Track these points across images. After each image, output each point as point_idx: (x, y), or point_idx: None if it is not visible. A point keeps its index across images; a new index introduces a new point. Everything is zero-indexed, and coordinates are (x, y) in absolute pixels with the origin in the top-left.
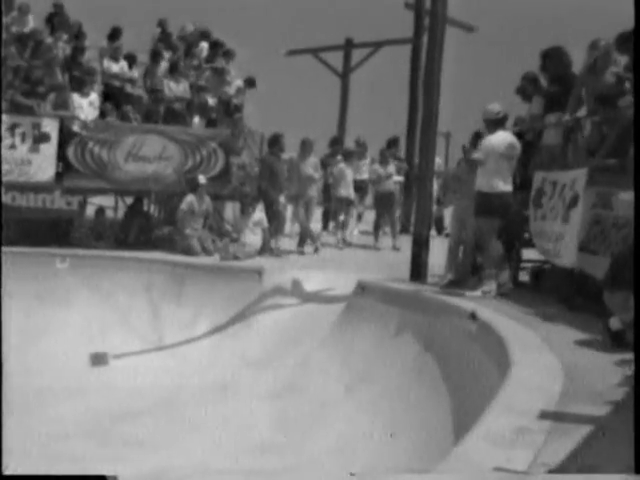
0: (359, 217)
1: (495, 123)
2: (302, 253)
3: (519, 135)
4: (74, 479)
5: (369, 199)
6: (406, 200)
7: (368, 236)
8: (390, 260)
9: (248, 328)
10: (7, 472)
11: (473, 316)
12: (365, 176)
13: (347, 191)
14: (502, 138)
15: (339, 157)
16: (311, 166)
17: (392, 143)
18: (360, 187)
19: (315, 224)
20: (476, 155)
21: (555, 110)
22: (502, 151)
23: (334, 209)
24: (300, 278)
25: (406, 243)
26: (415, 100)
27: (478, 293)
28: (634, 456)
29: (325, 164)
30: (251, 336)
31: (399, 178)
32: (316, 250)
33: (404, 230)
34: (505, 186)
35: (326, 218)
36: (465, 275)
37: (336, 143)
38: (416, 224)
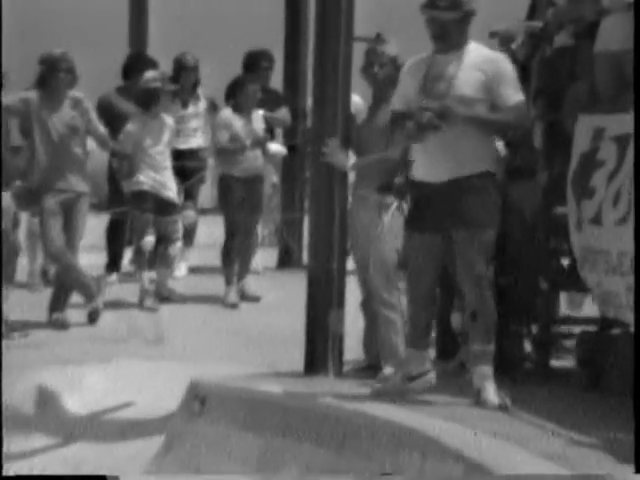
0: (188, 237)
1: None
2: (60, 324)
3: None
4: (74, 479)
5: (208, 192)
6: (287, 193)
7: (211, 275)
8: (260, 327)
9: None
10: (7, 473)
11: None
12: (195, 142)
13: (161, 183)
14: (479, 56)
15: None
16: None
17: (253, 67)
18: (186, 168)
19: (92, 256)
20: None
21: None
22: (476, 88)
23: (135, 225)
24: (55, 387)
25: (296, 286)
26: None
27: (420, 385)
28: (634, 456)
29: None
30: None
31: (276, 147)
32: (93, 316)
33: (285, 261)
34: (489, 164)
35: (117, 243)
36: (419, 353)
37: (130, 73)
38: (313, 246)
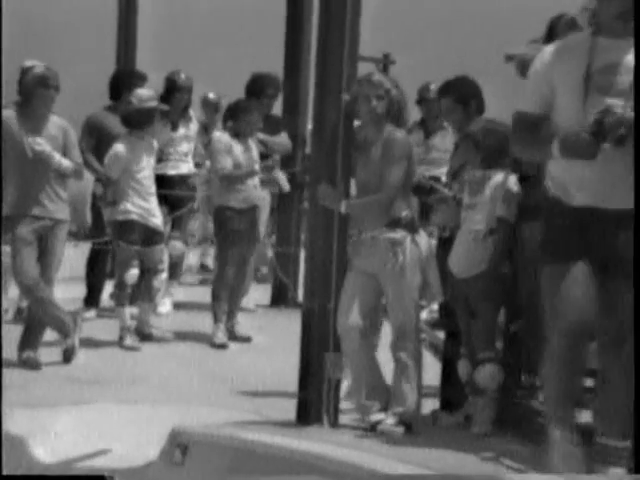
0: (174, 271)
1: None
2: (31, 364)
3: None
4: (74, 479)
5: (196, 222)
6: (282, 225)
7: (198, 311)
8: (250, 370)
9: None
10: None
11: None
12: (186, 168)
13: (148, 210)
14: None
15: (125, 130)
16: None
17: (258, 93)
18: (174, 196)
19: (69, 289)
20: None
21: None
22: None
23: (118, 257)
24: (23, 433)
25: (290, 326)
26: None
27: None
28: (634, 456)
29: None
30: None
31: (278, 175)
32: (68, 355)
33: (279, 298)
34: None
35: (97, 276)
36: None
37: (118, 93)
38: (309, 283)
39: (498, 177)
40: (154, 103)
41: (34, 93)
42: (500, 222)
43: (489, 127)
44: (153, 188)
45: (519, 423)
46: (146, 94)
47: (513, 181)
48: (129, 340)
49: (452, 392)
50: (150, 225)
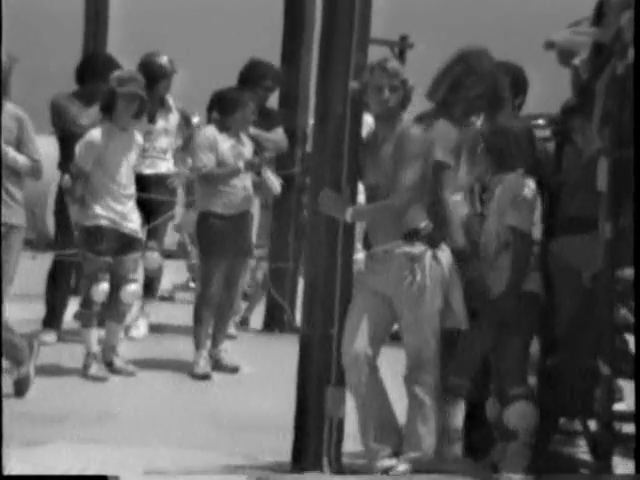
0: (150, 288)
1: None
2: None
3: None
4: (74, 479)
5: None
6: (278, 236)
7: (178, 335)
8: (237, 406)
9: None
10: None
11: None
12: (165, 166)
13: (122, 215)
14: None
15: (99, 120)
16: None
17: (253, 83)
18: (152, 200)
19: (24, 307)
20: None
21: None
22: None
23: (85, 269)
24: None
25: (285, 355)
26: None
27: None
28: (634, 456)
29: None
30: None
31: (267, 175)
32: (21, 386)
33: (272, 322)
34: None
35: (59, 292)
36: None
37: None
38: (308, 305)
39: (507, 180)
40: (134, 87)
41: None
42: (514, 233)
43: (498, 128)
44: (131, 189)
45: (555, 475)
46: (127, 75)
47: (526, 184)
48: (94, 369)
49: (477, 435)
50: (124, 231)
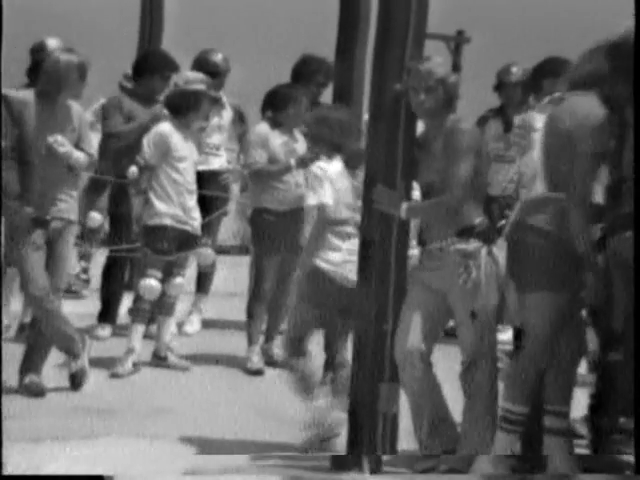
0: (203, 284)
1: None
2: (34, 390)
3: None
4: (74, 479)
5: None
6: None
7: (230, 332)
8: (289, 402)
9: None
10: (6, 472)
11: None
12: (218, 163)
13: (186, 211)
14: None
15: (164, 119)
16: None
17: (306, 79)
18: (205, 196)
19: (78, 303)
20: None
21: None
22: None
23: (142, 265)
24: (23, 471)
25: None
26: None
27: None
28: (634, 456)
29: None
30: None
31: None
32: (77, 379)
33: None
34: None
35: (114, 287)
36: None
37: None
38: (361, 300)
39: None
40: (202, 86)
41: (66, 83)
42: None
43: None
44: (194, 185)
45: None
46: (194, 76)
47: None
48: (121, 367)
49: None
50: (186, 229)
